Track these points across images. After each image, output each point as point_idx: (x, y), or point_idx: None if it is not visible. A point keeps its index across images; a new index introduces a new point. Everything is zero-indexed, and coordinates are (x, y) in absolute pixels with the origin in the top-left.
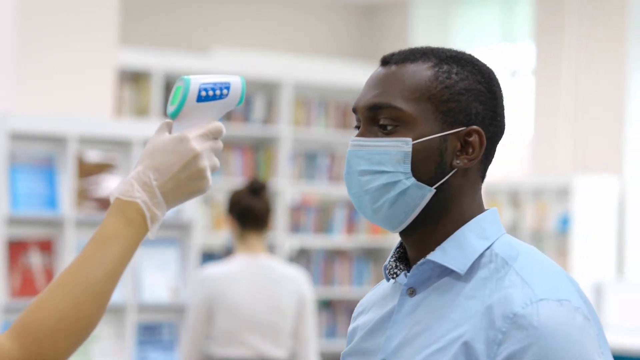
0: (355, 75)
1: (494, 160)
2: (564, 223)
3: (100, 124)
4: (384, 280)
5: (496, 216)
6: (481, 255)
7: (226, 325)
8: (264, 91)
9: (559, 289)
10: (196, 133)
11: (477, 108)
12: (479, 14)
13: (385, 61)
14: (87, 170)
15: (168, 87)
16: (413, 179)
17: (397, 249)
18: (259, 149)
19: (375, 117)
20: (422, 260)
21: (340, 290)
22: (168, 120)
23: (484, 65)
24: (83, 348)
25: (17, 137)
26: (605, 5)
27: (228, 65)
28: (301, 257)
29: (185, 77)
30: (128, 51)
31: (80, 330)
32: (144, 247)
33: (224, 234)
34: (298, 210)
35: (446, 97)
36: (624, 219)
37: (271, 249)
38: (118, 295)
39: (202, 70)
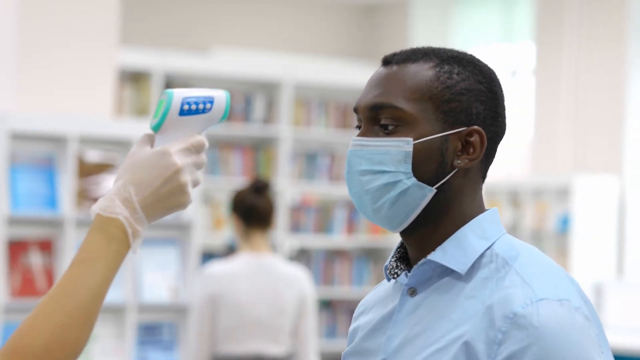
0: (356, 75)
1: (494, 160)
2: (564, 223)
3: (100, 124)
4: (385, 280)
5: (496, 216)
6: (482, 255)
7: (229, 323)
8: (264, 91)
9: (559, 288)
10: (178, 147)
11: (478, 108)
12: (479, 14)
13: (387, 61)
14: (87, 170)
15: (168, 87)
16: (414, 179)
17: (398, 249)
18: (259, 149)
19: (376, 117)
20: (422, 260)
21: (340, 290)
22: (150, 132)
23: (485, 66)
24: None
25: (17, 137)
26: (605, 5)
27: (228, 65)
28: (301, 257)
29: (169, 90)
30: (128, 51)
31: (68, 353)
32: (144, 247)
33: (224, 234)
34: (298, 210)
35: (447, 97)
36: (624, 219)
37: (271, 248)
38: (118, 295)
39: (202, 70)
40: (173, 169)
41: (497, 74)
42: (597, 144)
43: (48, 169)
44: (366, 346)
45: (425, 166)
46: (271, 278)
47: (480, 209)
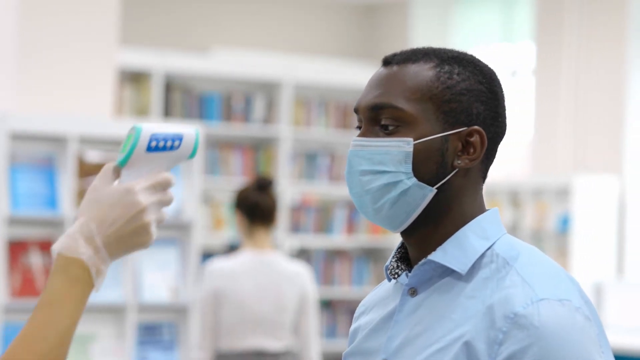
0: (356, 76)
1: (494, 160)
2: (564, 223)
3: (100, 124)
4: (386, 281)
5: (497, 216)
6: (482, 256)
7: (231, 319)
8: (264, 91)
9: (559, 288)
10: (143, 185)
11: (478, 108)
12: (479, 14)
13: (387, 61)
14: (87, 170)
15: (168, 87)
16: (414, 179)
17: (399, 249)
18: (259, 149)
19: (376, 117)
20: (423, 261)
21: (340, 290)
22: (115, 164)
23: (486, 66)
24: (83, 348)
25: (17, 137)
26: (605, 5)
27: (228, 65)
28: (301, 257)
29: (138, 125)
30: (128, 51)
31: None
32: None
33: (224, 234)
34: (298, 210)
35: (447, 97)
36: (624, 219)
37: (274, 246)
38: (118, 295)
39: (202, 70)
40: (137, 208)
41: (497, 74)
42: (597, 144)
43: (48, 169)
44: (367, 346)
45: (425, 166)
46: (273, 275)
47: (481, 209)
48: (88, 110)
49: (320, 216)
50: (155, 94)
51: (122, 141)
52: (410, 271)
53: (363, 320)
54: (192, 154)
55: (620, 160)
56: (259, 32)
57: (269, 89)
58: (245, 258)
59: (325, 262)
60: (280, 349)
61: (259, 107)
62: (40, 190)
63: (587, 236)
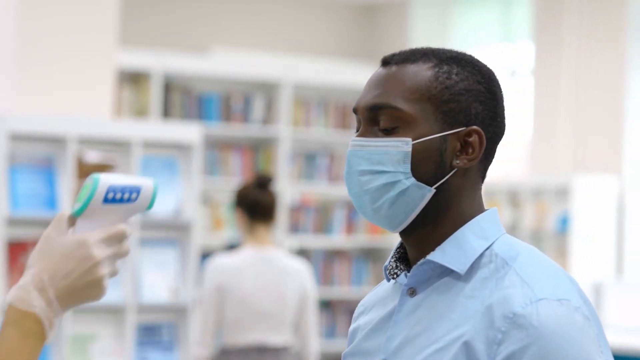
0: (355, 76)
1: (493, 160)
2: (564, 223)
3: (99, 124)
4: (385, 281)
5: (496, 216)
6: (481, 255)
7: (234, 314)
8: (263, 91)
9: (558, 288)
10: (98, 237)
11: (477, 108)
12: (478, 14)
13: (386, 62)
14: (87, 171)
15: (167, 87)
16: (413, 179)
17: (398, 249)
18: (259, 149)
19: (375, 118)
20: (422, 261)
21: (339, 291)
22: (70, 213)
23: (484, 66)
24: (82, 348)
25: (17, 137)
26: (605, 5)
27: (227, 66)
28: (300, 257)
29: (96, 175)
30: (127, 52)
31: None
32: (143, 248)
33: (223, 234)
34: (297, 210)
35: (446, 97)
36: (623, 219)
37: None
38: (118, 296)
39: (201, 70)
40: (91, 262)
41: (496, 74)
42: (596, 143)
43: (47, 170)
44: (366, 346)
45: (424, 166)
46: (275, 271)
47: (480, 209)
48: (87, 110)
49: (320, 216)
50: (154, 95)
51: (121, 141)
52: (409, 271)
53: (362, 320)
54: (150, 206)
55: (620, 160)
56: (258, 32)
57: (268, 89)
58: (247, 254)
59: (324, 262)
60: (281, 343)
61: (258, 108)
62: (39, 190)
63: (586, 236)
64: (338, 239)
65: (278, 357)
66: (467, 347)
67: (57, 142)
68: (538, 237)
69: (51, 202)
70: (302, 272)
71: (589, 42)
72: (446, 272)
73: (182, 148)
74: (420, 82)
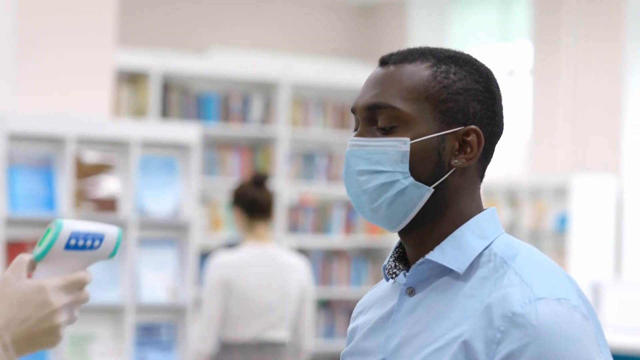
0: (353, 75)
1: (492, 159)
2: (562, 222)
3: (98, 124)
4: (384, 280)
5: (495, 216)
6: (480, 255)
7: (237, 310)
8: (261, 91)
9: (557, 287)
10: (57, 284)
11: (475, 108)
12: (476, 14)
13: (384, 61)
14: (85, 171)
15: (166, 87)
16: (411, 179)
17: (396, 249)
18: (257, 149)
19: (373, 117)
20: (421, 260)
21: (338, 290)
22: (30, 257)
23: (482, 65)
24: (81, 348)
25: (15, 138)
26: (603, 5)
27: (225, 66)
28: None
29: (59, 220)
30: (126, 52)
31: None
32: (142, 248)
33: (222, 234)
34: (296, 210)
35: (444, 97)
36: (621, 218)
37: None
38: (116, 296)
39: (200, 70)
40: (49, 309)
41: (494, 73)
42: (595, 143)
43: (46, 170)
44: (365, 346)
45: (422, 166)
46: (277, 266)
47: (479, 209)
48: (86, 110)
49: (318, 216)
50: (152, 95)
51: (120, 141)
52: (408, 271)
53: (361, 319)
54: (112, 254)
55: (618, 159)
56: (257, 32)
57: (267, 89)
58: (249, 251)
59: (323, 262)
60: (280, 339)
61: (256, 108)
62: (38, 191)
63: (584, 236)
64: (337, 239)
65: (277, 352)
66: (466, 346)
67: (56, 142)
68: (537, 236)
69: (50, 202)
70: (302, 269)
71: (588, 41)
72: (445, 271)
73: (180, 148)
74: (418, 82)
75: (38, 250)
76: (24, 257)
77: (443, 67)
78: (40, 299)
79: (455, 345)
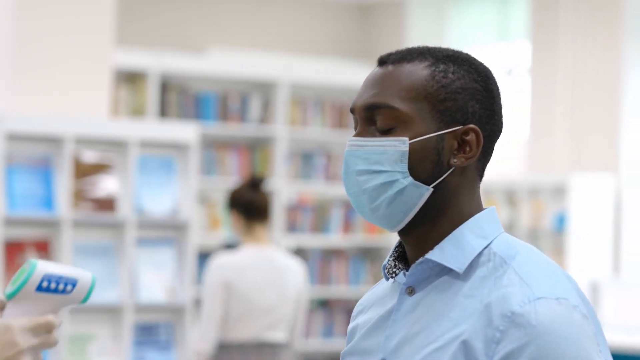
0: (352, 75)
1: (491, 158)
2: (561, 222)
3: (96, 124)
4: (384, 279)
5: (495, 215)
6: (480, 254)
7: (237, 311)
8: (260, 91)
9: (557, 287)
10: (25, 325)
11: (473, 107)
12: (475, 13)
13: (382, 61)
14: (84, 171)
15: (164, 87)
16: (410, 178)
17: (396, 248)
18: (255, 149)
19: (372, 117)
20: (420, 259)
21: (337, 290)
22: (1, 296)
23: (481, 64)
24: (80, 348)
25: (14, 137)
26: (601, 4)
27: (224, 65)
28: (298, 256)
29: (34, 260)
30: (124, 52)
31: None
32: (140, 247)
33: (220, 234)
34: (294, 209)
35: (443, 96)
36: (620, 217)
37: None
38: (115, 296)
39: (198, 70)
40: (14, 350)
41: (492, 72)
42: (593, 142)
43: (44, 170)
44: (365, 345)
45: (421, 165)
46: (275, 269)
47: (478, 208)
48: (84, 110)
49: (317, 216)
50: (151, 94)
51: (118, 141)
52: (407, 270)
53: (361, 319)
54: (84, 300)
55: (617, 158)
56: (255, 32)
57: (265, 89)
58: (248, 253)
59: (321, 262)
60: (278, 340)
61: (255, 107)
62: (36, 190)
63: (583, 235)
64: (335, 239)
65: (275, 352)
66: (466, 345)
67: (54, 142)
68: (535, 235)
69: (48, 202)
70: (299, 272)
71: (586, 41)
72: (445, 270)
73: (179, 148)
74: (417, 81)
75: (9, 289)
76: None
77: (441, 67)
78: (6, 338)
79: (454, 344)
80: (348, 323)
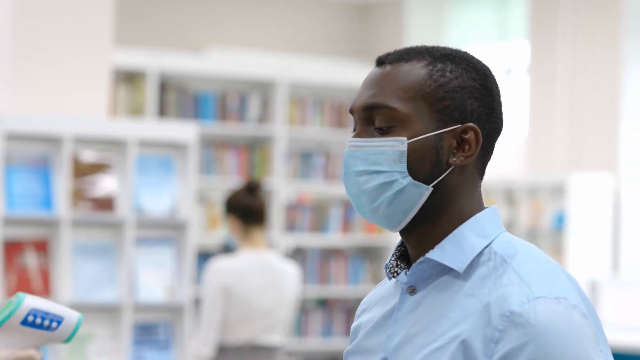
0: (351, 75)
1: (492, 157)
2: (560, 221)
3: (95, 124)
4: (387, 279)
5: (496, 214)
6: (480, 254)
7: (236, 315)
8: (258, 90)
9: (556, 286)
10: (6, 358)
11: (472, 105)
12: (473, 13)
13: (381, 61)
14: (83, 170)
15: (163, 87)
16: (409, 178)
17: (398, 247)
18: (254, 149)
19: (370, 118)
20: (421, 259)
21: (336, 289)
22: None
23: (479, 62)
24: (79, 348)
25: (13, 137)
26: (600, 4)
27: (223, 65)
28: (297, 256)
29: (22, 294)
30: (123, 51)
31: None
32: (139, 247)
33: (219, 234)
34: (293, 209)
35: (440, 95)
36: (619, 216)
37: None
38: (114, 295)
39: (197, 69)
40: None
41: (491, 70)
42: (592, 141)
43: (43, 169)
44: (367, 344)
45: (420, 165)
46: (273, 273)
47: (479, 207)
48: (83, 110)
49: (316, 215)
50: (150, 94)
51: (117, 140)
52: (409, 269)
53: (364, 318)
54: (68, 339)
55: (616, 158)
56: (254, 31)
57: (264, 88)
58: (246, 258)
59: (320, 261)
60: (276, 343)
61: (254, 107)
62: (35, 190)
63: (582, 234)
64: (334, 238)
65: (271, 355)
66: (465, 345)
67: (53, 141)
68: (534, 235)
69: (47, 201)
70: (294, 275)
71: (585, 40)
72: (445, 270)
73: (177, 147)
74: (414, 81)
75: None
76: None
77: (439, 66)
78: None
79: (454, 344)
80: (347, 323)
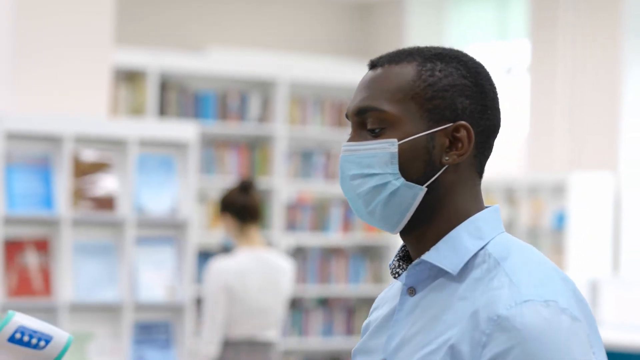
0: (351, 74)
1: (491, 155)
2: (560, 220)
3: (95, 123)
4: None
5: (496, 214)
6: (475, 256)
7: (237, 312)
8: (259, 90)
9: (547, 289)
10: None
11: (463, 103)
12: (474, 12)
13: (373, 64)
14: (83, 170)
15: (163, 86)
16: (402, 179)
17: (402, 248)
18: (255, 148)
19: (363, 121)
20: (417, 260)
21: (336, 288)
22: None
23: (471, 60)
24: (80, 347)
25: (13, 137)
26: (600, 3)
27: (223, 64)
28: (297, 255)
29: (11, 311)
30: (123, 51)
31: None
32: (140, 246)
33: (220, 233)
34: (294, 208)
35: (430, 94)
36: (619, 216)
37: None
38: (114, 294)
39: (197, 69)
40: None
41: (484, 67)
42: (592, 141)
43: (44, 169)
44: (371, 344)
45: (412, 165)
46: (271, 270)
47: (478, 206)
48: (83, 109)
49: (316, 214)
50: (150, 93)
51: (117, 140)
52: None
53: (374, 316)
54: (57, 359)
55: (616, 157)
56: (254, 30)
57: (265, 88)
58: (244, 256)
59: (321, 260)
60: (271, 339)
61: (254, 106)
62: (36, 189)
63: (582, 233)
64: (335, 237)
65: (267, 351)
66: (453, 350)
67: (54, 141)
68: (534, 234)
69: (47, 201)
70: (290, 272)
71: (585, 39)
72: (441, 272)
73: (178, 146)
74: (404, 82)
75: None
76: None
77: (429, 65)
78: None
79: (444, 349)
80: (348, 322)
